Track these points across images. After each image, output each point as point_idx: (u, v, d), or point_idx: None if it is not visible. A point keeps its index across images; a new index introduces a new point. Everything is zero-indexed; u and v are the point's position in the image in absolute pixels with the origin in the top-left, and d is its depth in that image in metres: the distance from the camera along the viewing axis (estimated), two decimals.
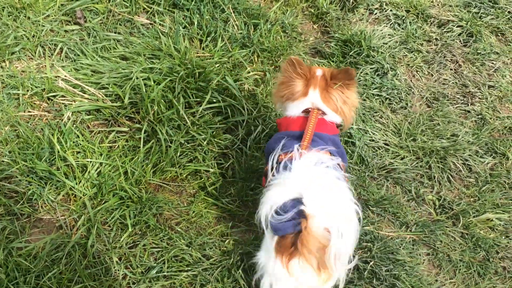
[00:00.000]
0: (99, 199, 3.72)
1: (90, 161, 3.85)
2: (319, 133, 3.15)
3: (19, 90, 4.25)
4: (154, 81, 4.22)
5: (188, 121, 4.11)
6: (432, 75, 5.24)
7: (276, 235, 2.72)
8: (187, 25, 4.93)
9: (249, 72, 4.69)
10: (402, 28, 5.56)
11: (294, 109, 3.36)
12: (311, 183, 2.66)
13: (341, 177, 2.85)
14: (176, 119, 4.11)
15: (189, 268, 3.50)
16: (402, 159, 4.41)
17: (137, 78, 4.22)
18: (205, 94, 4.26)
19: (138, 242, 3.60)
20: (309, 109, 3.28)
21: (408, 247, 3.91)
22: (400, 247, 3.88)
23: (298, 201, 2.61)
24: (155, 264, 3.50)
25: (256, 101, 4.46)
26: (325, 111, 3.30)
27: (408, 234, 3.98)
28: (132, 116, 4.20)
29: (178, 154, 4.01)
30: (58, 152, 3.78)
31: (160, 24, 4.92)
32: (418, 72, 5.22)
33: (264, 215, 2.66)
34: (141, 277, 3.43)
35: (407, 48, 5.39)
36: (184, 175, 4.01)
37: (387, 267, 3.69)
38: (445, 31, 5.63)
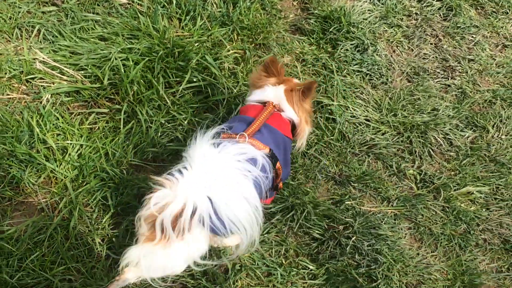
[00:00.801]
0: (80, 181, 3.71)
1: (70, 143, 3.83)
2: (273, 127, 3.21)
3: None
4: (133, 62, 4.20)
5: (168, 101, 4.10)
6: (412, 50, 5.25)
7: None
8: (166, 4, 4.88)
9: (229, 51, 4.67)
10: (382, 3, 5.54)
11: (256, 96, 3.46)
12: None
13: (251, 176, 2.75)
14: (156, 99, 4.10)
15: None
16: (383, 134, 4.43)
17: (115, 59, 4.19)
18: (184, 74, 4.25)
19: (120, 223, 3.60)
20: (268, 102, 3.36)
21: (389, 222, 3.95)
22: (381, 222, 3.92)
23: None
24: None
25: (237, 79, 4.45)
26: (284, 108, 3.38)
27: (389, 209, 4.02)
28: (112, 97, 4.17)
29: (159, 134, 4.00)
30: (38, 135, 3.75)
31: (138, 4, 4.87)
32: (398, 47, 5.22)
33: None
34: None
35: (387, 23, 5.38)
36: (165, 155, 3.99)
37: (369, 242, 3.73)
38: (424, 5, 5.63)
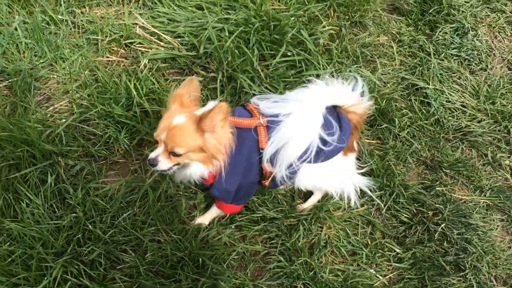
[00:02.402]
0: None
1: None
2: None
3: (98, 36, 4.32)
4: (229, 32, 4.21)
5: (261, 73, 4.09)
6: None
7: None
8: None
9: (324, 27, 4.62)
10: None
11: None
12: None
13: None
14: (250, 70, 4.10)
15: (260, 220, 3.58)
16: (479, 122, 4.30)
17: (212, 28, 4.22)
18: (279, 47, 4.23)
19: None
20: None
21: (481, 212, 3.84)
22: (473, 211, 3.82)
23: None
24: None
25: (331, 56, 4.41)
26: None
27: (482, 199, 3.91)
28: (206, 66, 4.21)
29: None
30: (135, 97, 3.83)
31: None
32: (501, 33, 5.05)
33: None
34: (214, 225, 3.51)
35: (490, 8, 5.21)
36: None
37: (458, 231, 3.65)
38: None
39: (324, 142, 2.90)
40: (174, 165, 2.97)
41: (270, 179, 3.15)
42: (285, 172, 3.01)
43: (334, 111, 3.06)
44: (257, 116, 3.00)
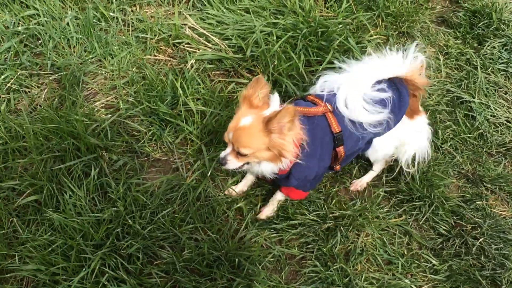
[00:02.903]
0: (214, 146, 3.81)
1: (210, 110, 3.93)
2: None
3: (147, 34, 4.41)
4: (276, 37, 4.24)
5: (306, 78, 4.11)
6: None
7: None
8: None
9: (372, 36, 4.62)
10: None
11: None
12: None
13: None
14: (295, 75, 4.12)
15: (298, 225, 3.58)
16: None
17: (260, 32, 4.25)
18: (326, 54, 4.24)
19: (253, 191, 3.71)
20: None
21: None
22: None
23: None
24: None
25: None
26: None
27: None
28: (252, 69, 4.25)
29: None
30: (181, 96, 3.88)
31: None
32: None
33: None
34: (252, 226, 3.53)
35: None
36: None
37: (497, 246, 3.60)
38: None
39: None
40: (244, 164, 3.12)
41: (340, 162, 3.32)
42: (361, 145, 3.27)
43: (392, 82, 3.19)
44: (320, 104, 3.12)
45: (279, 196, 3.59)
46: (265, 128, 2.89)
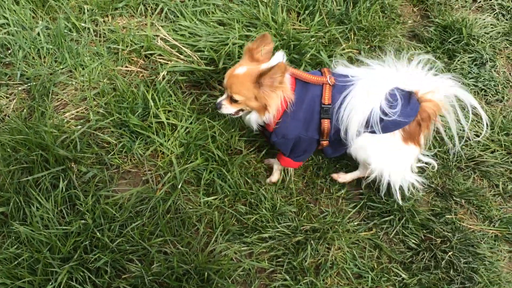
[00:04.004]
0: (185, 159, 3.79)
1: (181, 122, 3.91)
2: None
3: (119, 45, 4.38)
4: None
5: None
6: None
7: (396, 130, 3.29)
8: None
9: (343, 49, 4.64)
10: (506, 19, 5.37)
11: None
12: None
13: None
14: None
15: (269, 238, 3.57)
16: (492, 152, 4.28)
17: (233, 44, 4.25)
18: (298, 67, 4.25)
19: (223, 206, 3.69)
20: None
21: (489, 242, 3.81)
22: (481, 241, 3.79)
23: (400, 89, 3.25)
24: (237, 229, 3.60)
25: None
26: None
27: (491, 229, 3.88)
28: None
29: None
30: (152, 108, 3.86)
31: None
32: None
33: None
34: (222, 239, 3.51)
35: (509, 40, 5.20)
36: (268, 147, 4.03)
37: (466, 259, 3.62)
38: None
39: (384, 113, 3.15)
40: (239, 111, 3.45)
41: (327, 139, 3.45)
42: (343, 134, 3.32)
43: (407, 92, 3.29)
44: (326, 76, 3.33)
45: (275, 162, 3.84)
46: (256, 80, 3.17)
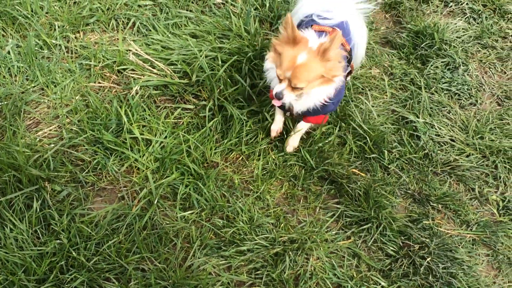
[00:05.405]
0: (161, 173, 3.77)
1: (155, 137, 3.90)
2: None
3: (91, 61, 4.35)
4: (222, 61, 4.24)
5: (257, 101, 4.13)
6: (505, 72, 5.09)
7: None
8: (259, 7, 4.93)
9: None
10: (478, 23, 5.43)
11: None
12: None
13: None
14: (241, 99, 4.12)
15: (247, 251, 3.55)
16: (467, 156, 4.30)
17: (206, 56, 4.24)
18: None
19: (200, 220, 3.66)
20: None
21: (467, 246, 3.83)
22: (459, 245, 3.80)
23: None
24: (214, 242, 3.57)
25: None
26: None
27: (468, 233, 3.90)
28: (199, 94, 4.23)
29: (244, 133, 4.04)
30: (125, 124, 3.84)
31: (231, 5, 4.94)
32: (491, 69, 5.08)
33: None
34: (200, 254, 3.48)
35: (481, 44, 5.25)
36: (244, 155, 4.03)
37: (444, 265, 3.63)
38: None
39: None
40: (300, 94, 3.44)
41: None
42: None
43: None
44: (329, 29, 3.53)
45: (301, 125, 3.97)
46: (322, 59, 3.20)
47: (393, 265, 3.66)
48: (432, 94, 4.68)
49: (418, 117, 4.42)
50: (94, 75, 4.29)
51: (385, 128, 4.32)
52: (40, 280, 3.15)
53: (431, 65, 4.87)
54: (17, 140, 3.71)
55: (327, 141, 4.08)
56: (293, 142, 4.03)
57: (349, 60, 3.61)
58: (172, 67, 4.32)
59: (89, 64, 4.35)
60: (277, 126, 3.99)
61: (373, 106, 4.42)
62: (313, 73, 3.25)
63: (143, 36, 4.64)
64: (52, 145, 3.80)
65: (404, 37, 5.13)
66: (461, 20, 5.41)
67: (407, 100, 4.58)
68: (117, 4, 4.79)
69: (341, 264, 3.61)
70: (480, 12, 5.52)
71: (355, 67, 4.03)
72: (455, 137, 4.39)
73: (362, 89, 4.60)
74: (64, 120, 3.97)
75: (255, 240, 3.58)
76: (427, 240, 3.74)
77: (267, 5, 4.90)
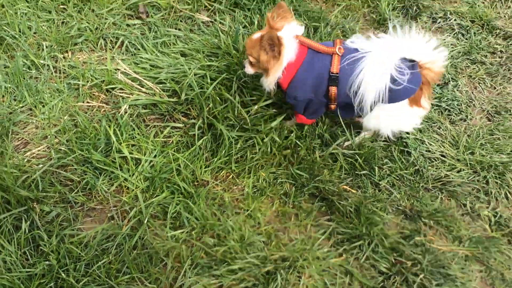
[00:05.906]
0: (151, 193, 3.74)
1: (145, 156, 3.88)
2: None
3: (79, 81, 4.34)
4: (211, 79, 4.23)
5: (247, 119, 4.09)
6: (495, 88, 5.09)
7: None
8: (247, 25, 4.93)
9: None
10: (466, 39, 5.44)
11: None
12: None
13: None
14: (231, 117, 4.10)
15: (238, 270, 3.51)
16: (458, 172, 4.29)
17: (195, 75, 4.24)
18: (261, 94, 4.24)
19: (190, 239, 3.62)
20: None
21: (460, 263, 3.80)
22: (452, 262, 3.77)
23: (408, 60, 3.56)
24: (205, 261, 3.52)
25: None
26: None
27: (461, 249, 3.87)
28: (188, 112, 4.22)
29: (234, 151, 4.01)
30: (114, 143, 3.81)
31: (220, 23, 4.94)
32: (480, 84, 5.08)
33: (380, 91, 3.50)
34: (191, 273, 3.44)
35: (470, 59, 5.26)
36: (233, 173, 4.01)
37: (437, 281, 3.60)
38: (510, 44, 5.47)
39: (395, 82, 3.47)
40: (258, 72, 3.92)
41: (335, 103, 3.82)
42: (357, 106, 3.67)
43: (409, 61, 3.59)
44: (336, 47, 3.64)
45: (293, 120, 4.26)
46: (259, 44, 3.57)
47: (385, 282, 3.62)
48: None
49: (408, 133, 4.41)
50: (82, 94, 4.28)
51: (375, 144, 4.30)
52: None
53: None
54: (5, 161, 3.68)
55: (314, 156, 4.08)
56: (290, 122, 4.26)
57: (333, 79, 3.68)
58: (161, 85, 4.31)
59: (78, 83, 4.34)
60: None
61: None
62: (255, 52, 3.67)
63: (132, 55, 4.64)
64: (41, 166, 3.78)
65: None
66: (449, 36, 5.43)
67: None
68: (106, 24, 4.79)
69: (333, 281, 3.57)
70: (468, 28, 5.54)
71: (357, 101, 3.70)
72: (446, 153, 4.39)
73: None
74: (52, 140, 3.95)
75: (247, 258, 3.54)
76: (419, 256, 3.71)
77: (256, 22, 4.90)
